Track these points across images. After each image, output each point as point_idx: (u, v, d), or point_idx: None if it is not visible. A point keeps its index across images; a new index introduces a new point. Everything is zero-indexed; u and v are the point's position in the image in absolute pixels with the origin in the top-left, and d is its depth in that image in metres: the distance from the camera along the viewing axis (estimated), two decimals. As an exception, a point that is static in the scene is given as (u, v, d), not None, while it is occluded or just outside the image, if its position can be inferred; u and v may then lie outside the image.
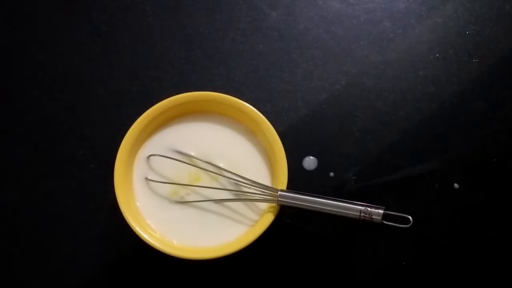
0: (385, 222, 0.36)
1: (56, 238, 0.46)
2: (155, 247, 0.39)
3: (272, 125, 0.42)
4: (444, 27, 0.52)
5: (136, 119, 0.42)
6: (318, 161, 0.47)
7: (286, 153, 0.42)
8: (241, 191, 0.42)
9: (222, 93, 0.44)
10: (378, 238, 0.45)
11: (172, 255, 0.39)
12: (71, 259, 0.45)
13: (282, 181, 0.41)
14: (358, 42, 0.51)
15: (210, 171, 0.42)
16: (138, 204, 0.42)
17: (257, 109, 0.43)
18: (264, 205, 0.42)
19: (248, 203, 0.42)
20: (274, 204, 0.40)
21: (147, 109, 0.43)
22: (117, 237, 0.45)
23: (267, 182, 0.43)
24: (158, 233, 0.41)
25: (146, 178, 0.42)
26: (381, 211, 0.36)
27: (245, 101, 0.43)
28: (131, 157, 0.42)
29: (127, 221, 0.39)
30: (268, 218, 0.40)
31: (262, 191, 0.40)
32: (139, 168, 0.43)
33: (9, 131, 0.49)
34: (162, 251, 0.39)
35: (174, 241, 0.41)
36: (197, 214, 0.42)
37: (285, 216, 0.45)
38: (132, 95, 0.50)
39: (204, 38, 0.53)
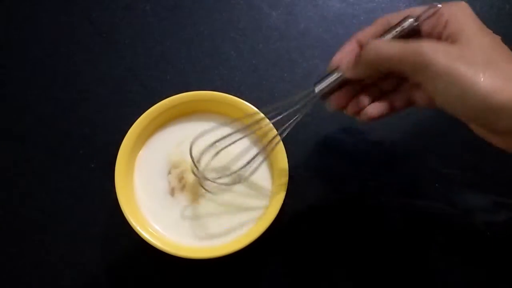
0: (418, 20, 0.33)
1: (56, 238, 0.46)
2: (156, 247, 0.39)
3: (272, 125, 0.42)
4: (444, 27, 0.52)
5: (136, 119, 0.42)
6: (319, 161, 0.47)
7: (286, 152, 0.42)
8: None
9: (222, 93, 0.44)
10: (378, 238, 0.45)
11: (172, 254, 0.39)
12: (71, 259, 0.45)
13: (283, 181, 0.41)
14: (358, 42, 0.51)
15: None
16: (138, 203, 0.42)
17: (257, 109, 0.43)
18: (263, 206, 0.42)
19: (246, 202, 0.42)
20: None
21: (147, 109, 0.43)
22: (117, 237, 0.45)
23: (268, 182, 0.43)
24: (158, 232, 0.41)
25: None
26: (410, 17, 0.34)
27: (245, 101, 0.43)
28: (131, 156, 0.42)
29: (128, 220, 0.39)
30: (269, 218, 0.40)
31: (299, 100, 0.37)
32: (139, 167, 0.43)
33: (9, 131, 0.49)
34: (163, 251, 0.39)
35: (175, 240, 0.41)
36: (197, 214, 0.42)
37: (285, 216, 0.45)
38: (132, 95, 0.50)
39: (204, 38, 0.53)
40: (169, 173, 0.43)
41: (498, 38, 0.32)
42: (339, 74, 0.36)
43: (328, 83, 0.36)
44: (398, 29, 0.34)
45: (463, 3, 0.33)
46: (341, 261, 0.45)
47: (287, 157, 0.42)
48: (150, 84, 0.51)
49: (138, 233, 0.39)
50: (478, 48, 0.30)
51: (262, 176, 0.43)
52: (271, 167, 0.43)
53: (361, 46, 0.36)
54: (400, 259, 0.45)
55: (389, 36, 0.34)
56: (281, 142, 0.41)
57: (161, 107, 0.43)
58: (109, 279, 0.45)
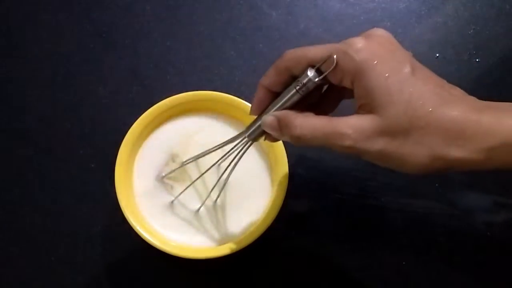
0: (319, 79, 0.31)
1: (56, 238, 0.46)
2: (155, 246, 0.39)
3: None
4: (444, 27, 0.52)
5: (136, 119, 0.42)
6: (319, 161, 0.47)
7: (286, 152, 0.42)
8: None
9: (222, 93, 0.44)
10: (378, 238, 0.45)
11: (172, 254, 0.39)
12: (71, 259, 0.45)
13: (283, 180, 0.41)
14: (358, 42, 0.51)
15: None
16: (138, 203, 0.42)
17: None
18: (263, 206, 0.42)
19: (245, 202, 0.42)
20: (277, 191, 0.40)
21: (147, 109, 0.43)
22: (117, 237, 0.45)
23: (268, 181, 0.43)
24: (158, 232, 0.41)
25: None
26: (311, 72, 0.32)
27: (245, 101, 0.43)
28: (131, 156, 0.42)
29: (128, 220, 0.39)
30: (268, 219, 0.40)
31: (237, 142, 0.38)
32: (139, 167, 0.43)
33: (9, 131, 0.49)
34: (163, 251, 0.39)
35: (175, 240, 0.41)
36: (197, 213, 0.42)
37: (285, 216, 0.45)
38: (132, 95, 0.50)
39: (204, 38, 0.53)
40: (168, 173, 0.43)
41: (414, 81, 0.30)
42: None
43: (254, 129, 0.36)
44: (302, 86, 0.32)
45: (366, 47, 0.31)
46: (341, 261, 0.45)
47: (287, 157, 0.42)
48: (150, 84, 0.51)
49: (138, 233, 0.39)
50: (397, 117, 0.29)
51: (262, 176, 0.43)
52: (271, 167, 0.43)
53: (270, 91, 0.35)
54: (400, 259, 0.45)
55: (292, 93, 0.33)
56: (282, 143, 0.42)
57: (161, 107, 0.43)
58: (109, 279, 0.45)
